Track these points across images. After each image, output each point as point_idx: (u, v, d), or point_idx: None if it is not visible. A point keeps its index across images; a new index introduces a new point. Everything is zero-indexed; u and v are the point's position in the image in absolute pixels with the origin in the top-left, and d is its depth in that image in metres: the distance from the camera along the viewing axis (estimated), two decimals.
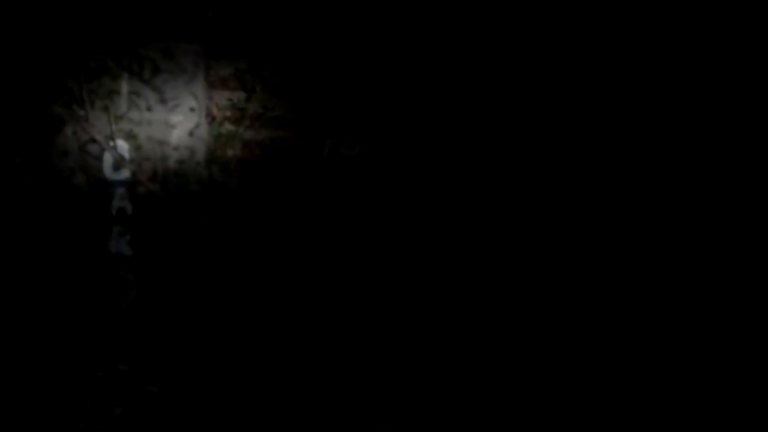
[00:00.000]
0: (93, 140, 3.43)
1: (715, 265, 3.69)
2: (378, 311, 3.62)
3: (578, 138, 3.76)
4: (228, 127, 3.60)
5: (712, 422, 3.50)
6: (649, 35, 3.75)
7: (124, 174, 3.44)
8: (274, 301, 3.54)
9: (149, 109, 3.48)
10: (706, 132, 3.76)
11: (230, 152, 3.61)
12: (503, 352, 3.61)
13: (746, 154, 3.73)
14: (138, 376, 3.37)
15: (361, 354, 3.57)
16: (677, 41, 3.75)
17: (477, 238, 3.71)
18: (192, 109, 3.53)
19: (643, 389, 3.57)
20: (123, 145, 3.46)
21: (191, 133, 3.53)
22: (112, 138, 3.43)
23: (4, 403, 3.23)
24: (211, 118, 3.58)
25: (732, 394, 3.55)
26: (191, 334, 3.45)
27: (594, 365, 3.62)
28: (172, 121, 3.51)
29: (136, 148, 3.46)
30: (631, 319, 3.65)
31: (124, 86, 3.45)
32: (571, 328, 3.65)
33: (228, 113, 3.61)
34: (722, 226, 3.71)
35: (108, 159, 3.44)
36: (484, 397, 3.55)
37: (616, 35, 3.74)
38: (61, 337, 3.34)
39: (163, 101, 3.49)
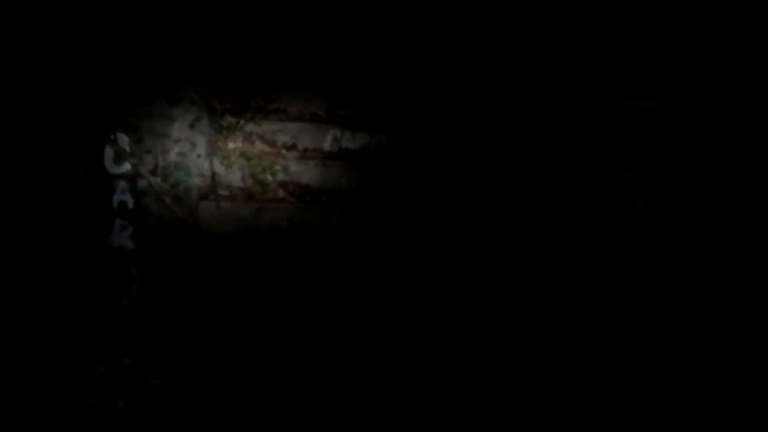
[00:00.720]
0: (95, 133, 3.41)
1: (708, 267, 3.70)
2: (382, 304, 3.62)
3: (577, 133, 3.75)
4: (229, 119, 3.58)
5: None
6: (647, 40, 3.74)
7: (126, 167, 3.43)
8: (275, 293, 3.54)
9: (150, 101, 3.46)
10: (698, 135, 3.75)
11: (231, 145, 3.59)
12: (503, 345, 3.62)
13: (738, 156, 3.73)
14: (141, 369, 3.37)
15: (366, 346, 3.57)
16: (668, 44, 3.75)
17: (480, 234, 3.70)
18: (193, 102, 3.50)
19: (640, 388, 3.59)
20: (124, 138, 3.44)
21: (192, 126, 3.51)
22: (113, 131, 3.41)
23: (9, 397, 3.23)
24: (212, 110, 3.56)
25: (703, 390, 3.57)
26: (193, 328, 3.44)
27: (588, 357, 3.63)
28: (173, 114, 3.49)
29: (137, 140, 3.44)
30: (630, 319, 3.66)
31: (125, 78, 3.43)
32: (567, 324, 3.65)
33: (229, 105, 3.59)
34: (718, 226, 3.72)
35: (109, 152, 3.42)
36: (486, 390, 3.55)
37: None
38: (64, 332, 3.34)
39: (164, 93, 3.47)
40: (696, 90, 3.76)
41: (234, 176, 3.58)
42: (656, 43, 3.75)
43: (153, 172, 3.46)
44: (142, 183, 3.44)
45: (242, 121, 3.59)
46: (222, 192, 3.56)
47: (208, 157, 3.54)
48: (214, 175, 3.55)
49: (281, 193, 3.62)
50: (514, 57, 3.73)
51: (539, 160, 3.73)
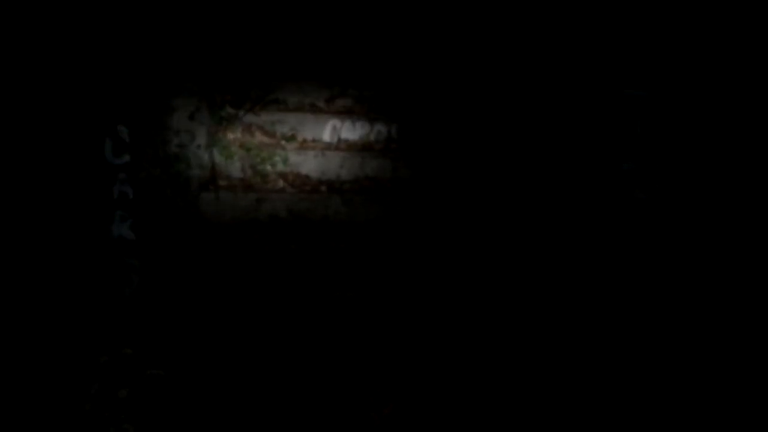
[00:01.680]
0: (96, 125, 3.42)
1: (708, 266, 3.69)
2: (382, 294, 3.63)
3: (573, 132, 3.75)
4: (229, 110, 3.58)
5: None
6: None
7: (126, 158, 3.44)
8: (275, 283, 3.55)
9: (151, 93, 3.46)
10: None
11: (231, 136, 3.59)
12: (501, 334, 3.63)
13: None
14: (142, 359, 3.38)
15: (366, 336, 3.58)
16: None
17: (482, 224, 3.71)
18: (192, 93, 3.51)
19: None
20: (124, 130, 3.44)
21: (192, 117, 3.52)
22: (113, 123, 3.42)
23: (12, 388, 3.25)
24: (212, 101, 3.57)
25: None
26: (194, 318, 3.46)
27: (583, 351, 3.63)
28: (172, 105, 3.49)
29: (137, 132, 3.45)
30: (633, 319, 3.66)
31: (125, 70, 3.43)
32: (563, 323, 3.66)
33: (228, 96, 3.59)
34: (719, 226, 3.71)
35: (109, 144, 3.43)
36: (483, 379, 3.57)
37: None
38: (66, 322, 3.35)
39: (164, 85, 3.48)
40: (694, 80, 3.76)
41: (234, 167, 3.59)
42: (654, 33, 3.75)
43: (153, 163, 3.47)
44: (142, 174, 3.46)
45: (242, 112, 3.59)
46: (222, 183, 3.57)
47: (208, 148, 3.55)
48: (213, 166, 3.56)
49: (281, 183, 3.63)
50: (514, 47, 3.73)
51: (540, 150, 3.74)
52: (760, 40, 3.72)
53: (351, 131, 3.71)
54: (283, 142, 3.64)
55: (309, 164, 3.66)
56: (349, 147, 3.70)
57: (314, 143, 3.68)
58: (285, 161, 3.63)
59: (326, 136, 3.70)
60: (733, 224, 3.74)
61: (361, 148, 3.72)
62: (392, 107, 3.74)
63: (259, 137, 3.63)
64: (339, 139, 3.70)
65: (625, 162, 3.74)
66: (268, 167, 3.61)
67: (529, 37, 3.72)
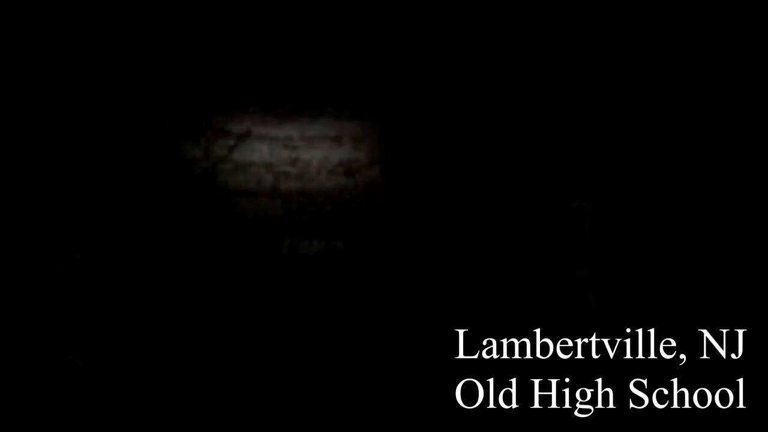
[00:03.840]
0: (50, 252, 3.41)
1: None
2: (349, 300, 3.56)
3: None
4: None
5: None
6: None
7: (78, 285, 3.40)
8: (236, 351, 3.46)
9: (97, 221, 3.49)
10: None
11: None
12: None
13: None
14: None
15: (331, 348, 3.48)
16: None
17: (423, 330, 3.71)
18: (144, 222, 3.54)
19: None
20: (77, 258, 3.43)
21: (141, 243, 3.53)
22: (67, 250, 3.41)
23: None
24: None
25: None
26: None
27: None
28: (125, 233, 3.51)
29: (91, 258, 3.44)
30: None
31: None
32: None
33: None
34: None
35: (62, 271, 3.41)
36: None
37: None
38: None
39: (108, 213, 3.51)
40: (639, 187, 3.93)
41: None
42: (594, 144, 3.95)
43: (106, 291, 3.44)
44: (94, 300, 3.42)
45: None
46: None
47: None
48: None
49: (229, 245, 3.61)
50: (467, 167, 3.87)
51: (489, 262, 3.81)
52: (693, 142, 3.93)
53: (308, 248, 3.75)
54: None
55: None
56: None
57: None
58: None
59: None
60: (688, 325, 3.81)
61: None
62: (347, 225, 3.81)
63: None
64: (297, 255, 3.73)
65: (577, 270, 3.82)
66: None
67: (481, 158, 3.88)
